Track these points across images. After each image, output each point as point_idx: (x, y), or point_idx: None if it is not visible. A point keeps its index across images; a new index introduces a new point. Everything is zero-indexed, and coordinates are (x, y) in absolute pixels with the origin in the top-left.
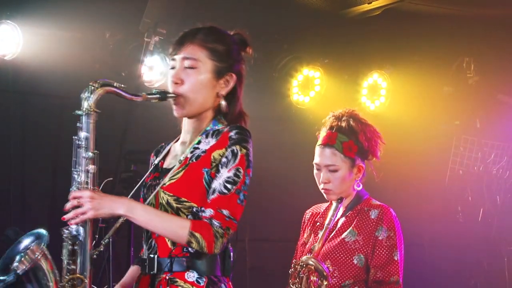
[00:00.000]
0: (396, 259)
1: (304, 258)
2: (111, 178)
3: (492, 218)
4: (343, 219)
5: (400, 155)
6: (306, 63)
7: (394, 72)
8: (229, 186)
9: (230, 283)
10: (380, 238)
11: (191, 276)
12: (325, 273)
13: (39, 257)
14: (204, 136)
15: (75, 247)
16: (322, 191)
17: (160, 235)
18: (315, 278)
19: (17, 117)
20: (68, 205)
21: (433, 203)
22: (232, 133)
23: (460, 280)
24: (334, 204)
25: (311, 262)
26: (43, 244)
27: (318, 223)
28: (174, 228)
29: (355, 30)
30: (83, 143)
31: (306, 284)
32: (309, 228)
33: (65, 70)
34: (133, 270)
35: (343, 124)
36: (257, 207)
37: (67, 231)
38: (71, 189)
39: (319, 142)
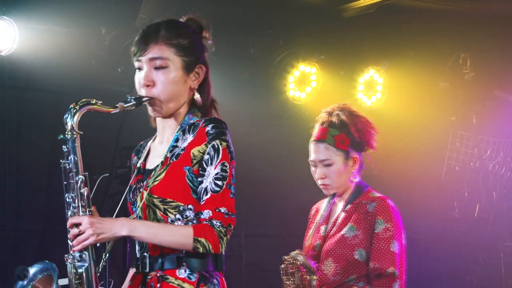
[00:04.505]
0: (392, 250)
1: (293, 253)
2: (107, 174)
3: (488, 214)
4: (343, 214)
5: (396, 151)
6: (302, 59)
7: (390, 68)
8: (219, 182)
9: (223, 278)
10: (376, 231)
11: (182, 272)
12: (312, 269)
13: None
14: (181, 132)
15: (81, 271)
16: (321, 187)
17: (166, 247)
18: (305, 274)
19: (13, 112)
20: (70, 235)
21: (429, 199)
22: (208, 128)
23: (456, 275)
24: (327, 199)
25: (299, 259)
26: (55, 280)
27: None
28: (178, 238)
29: (351, 26)
30: (73, 167)
31: (300, 280)
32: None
33: (61, 66)
34: (131, 273)
35: (334, 118)
36: (253, 202)
37: (71, 257)
38: (67, 215)
39: (312, 138)
